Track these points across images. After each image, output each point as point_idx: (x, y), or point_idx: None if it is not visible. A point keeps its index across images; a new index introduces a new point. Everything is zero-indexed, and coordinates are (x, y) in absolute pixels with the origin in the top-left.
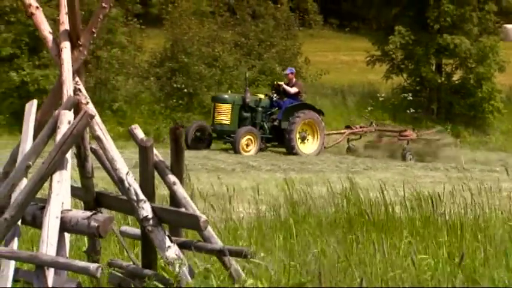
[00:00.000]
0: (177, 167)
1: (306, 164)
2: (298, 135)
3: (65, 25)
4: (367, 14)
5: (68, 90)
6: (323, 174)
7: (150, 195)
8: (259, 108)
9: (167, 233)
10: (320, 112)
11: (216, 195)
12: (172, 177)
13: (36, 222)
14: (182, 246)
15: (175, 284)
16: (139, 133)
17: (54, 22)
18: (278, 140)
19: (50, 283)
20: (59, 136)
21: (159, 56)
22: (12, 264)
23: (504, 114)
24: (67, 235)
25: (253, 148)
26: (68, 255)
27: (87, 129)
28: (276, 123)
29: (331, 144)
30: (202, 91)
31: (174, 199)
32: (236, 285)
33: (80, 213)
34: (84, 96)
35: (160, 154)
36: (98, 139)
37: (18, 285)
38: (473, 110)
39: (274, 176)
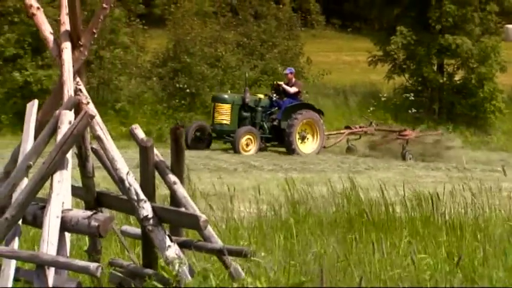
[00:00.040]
0: (178, 166)
1: (308, 164)
2: (297, 135)
3: (66, 25)
4: (369, 15)
5: (68, 90)
6: (324, 174)
7: (150, 195)
8: (259, 108)
9: (167, 233)
10: (320, 112)
11: (217, 195)
12: (172, 177)
13: (37, 222)
14: (182, 245)
15: (174, 283)
16: (140, 133)
17: (57, 22)
18: (278, 139)
19: (50, 282)
20: (59, 136)
21: (161, 56)
22: (13, 263)
23: (506, 114)
24: (67, 234)
25: (253, 148)
26: (68, 254)
27: (88, 129)
28: (275, 123)
29: (330, 144)
30: (204, 91)
31: (174, 199)
32: (235, 285)
33: (80, 213)
34: (85, 97)
35: (162, 154)
36: (98, 139)
37: (19, 285)
38: (474, 110)
39: (276, 176)
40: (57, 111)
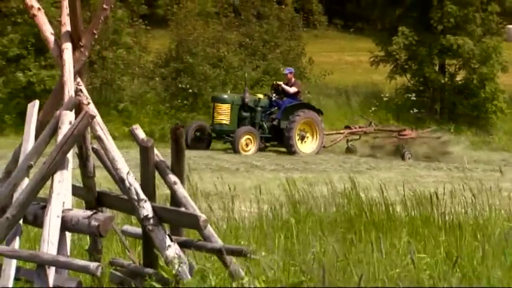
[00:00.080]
0: (178, 166)
1: (310, 164)
2: (297, 135)
3: (67, 26)
4: (371, 15)
5: (69, 90)
6: (326, 174)
7: (151, 194)
8: (259, 108)
9: (168, 232)
10: (319, 111)
11: (218, 195)
12: (172, 177)
13: (38, 222)
14: (183, 245)
15: (174, 283)
16: (140, 133)
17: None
18: (277, 139)
19: (50, 282)
20: (60, 136)
21: (164, 57)
22: (13, 263)
23: (507, 115)
24: (68, 234)
25: (252, 148)
26: (69, 254)
27: (89, 129)
28: (275, 122)
29: (330, 143)
30: (207, 91)
31: (175, 198)
32: (234, 284)
33: (80, 213)
34: (86, 97)
35: (165, 154)
36: (99, 139)
37: (20, 284)
38: (476, 110)
39: (278, 176)
40: (58, 112)
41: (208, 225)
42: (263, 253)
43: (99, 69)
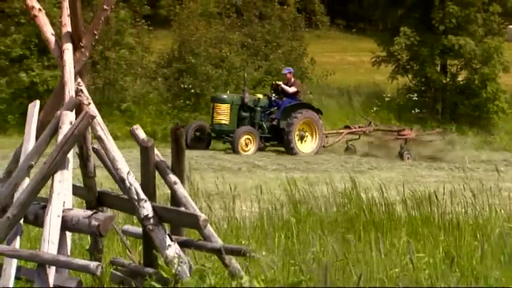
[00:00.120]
0: (178, 166)
1: (312, 164)
2: (296, 135)
3: (67, 27)
4: (373, 15)
5: (69, 91)
6: (328, 173)
7: (151, 194)
8: (258, 108)
9: (168, 232)
10: (318, 111)
11: (220, 194)
12: (173, 177)
13: (38, 221)
14: (183, 245)
15: (173, 282)
16: (141, 133)
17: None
18: (277, 139)
19: (51, 281)
20: (60, 136)
21: (166, 57)
22: (14, 262)
23: (509, 115)
24: (68, 234)
25: (252, 148)
26: (69, 253)
27: (89, 129)
28: (274, 122)
29: (330, 143)
30: (209, 91)
31: (175, 198)
32: (233, 284)
33: (81, 212)
34: (86, 97)
35: (167, 154)
36: (99, 139)
37: (20, 283)
38: (477, 110)
39: (280, 176)
40: (59, 112)
41: (208, 225)
42: (263, 253)
43: (102, 69)
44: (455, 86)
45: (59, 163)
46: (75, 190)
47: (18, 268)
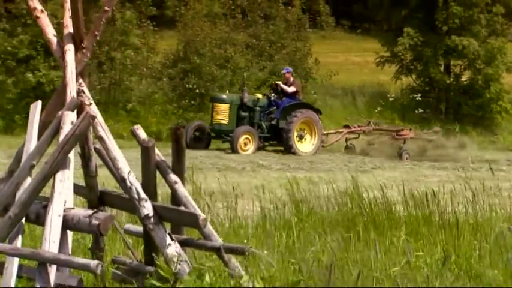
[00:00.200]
0: (178, 166)
1: (315, 163)
2: (296, 134)
3: (69, 28)
4: (377, 16)
5: (71, 91)
6: (331, 173)
7: (152, 194)
8: (257, 108)
9: (168, 231)
10: (318, 111)
11: (223, 194)
12: (173, 177)
13: (40, 220)
14: (183, 244)
15: (172, 281)
16: (142, 133)
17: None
18: (276, 139)
19: (52, 280)
20: (61, 136)
21: (171, 57)
22: (16, 261)
23: None
24: (69, 233)
25: (251, 147)
26: (70, 252)
27: (91, 129)
28: (274, 122)
29: (329, 142)
30: (214, 92)
31: (175, 198)
32: (232, 283)
33: (81, 212)
34: (87, 98)
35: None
36: (100, 139)
37: (22, 282)
38: (481, 110)
39: (284, 175)
40: (60, 112)
41: (208, 224)
42: (265, 251)
43: (108, 69)
44: (459, 86)
45: (60, 163)
46: (77, 189)
47: (20, 267)
